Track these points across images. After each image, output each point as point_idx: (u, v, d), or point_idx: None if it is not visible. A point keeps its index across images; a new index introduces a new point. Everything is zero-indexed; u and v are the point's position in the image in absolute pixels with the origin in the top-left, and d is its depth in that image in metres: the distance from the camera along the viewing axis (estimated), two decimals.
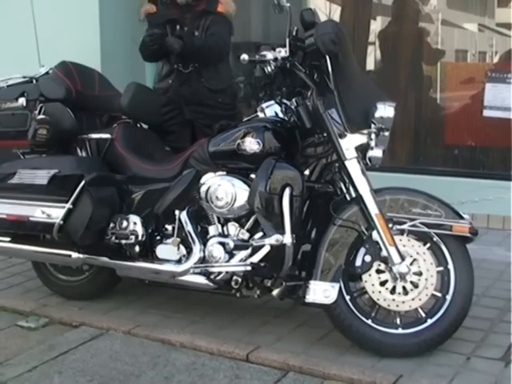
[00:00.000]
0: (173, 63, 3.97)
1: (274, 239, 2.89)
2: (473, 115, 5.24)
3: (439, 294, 2.93)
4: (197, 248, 3.11)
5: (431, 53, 5.81)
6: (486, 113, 4.98)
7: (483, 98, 5.03)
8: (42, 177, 3.31)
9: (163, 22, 3.96)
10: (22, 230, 3.46)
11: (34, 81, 3.60)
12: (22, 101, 3.49)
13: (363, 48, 6.19)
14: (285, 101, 3.12)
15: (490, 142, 5.23)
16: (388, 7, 6.56)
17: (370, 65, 6.37)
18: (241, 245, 3.03)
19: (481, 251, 4.06)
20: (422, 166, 5.40)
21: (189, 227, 3.16)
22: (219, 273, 3.07)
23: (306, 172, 3.08)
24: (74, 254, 3.37)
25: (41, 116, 3.39)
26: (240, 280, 3.07)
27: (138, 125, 3.69)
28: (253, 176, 3.02)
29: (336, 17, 6.25)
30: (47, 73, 3.63)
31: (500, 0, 6.07)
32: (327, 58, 2.86)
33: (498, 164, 5.16)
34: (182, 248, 3.18)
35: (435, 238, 2.94)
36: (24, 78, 3.67)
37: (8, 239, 3.55)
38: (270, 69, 3.05)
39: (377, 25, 6.44)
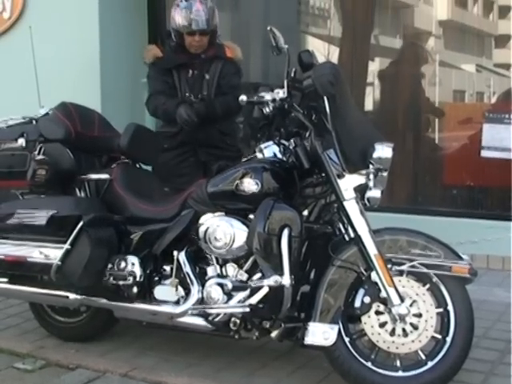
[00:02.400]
0: None
1: (272, 280, 2.87)
2: (471, 156, 5.26)
3: (439, 336, 2.91)
4: (195, 289, 3.10)
5: (429, 94, 5.87)
6: (484, 153, 5.01)
7: (481, 139, 5.06)
8: (40, 217, 3.30)
9: (172, 66, 4.02)
10: (19, 270, 3.45)
11: (34, 121, 3.62)
12: (21, 141, 3.50)
13: (361, 88, 6.25)
14: (283, 141, 3.13)
15: (489, 183, 5.25)
16: (386, 48, 6.66)
17: (369, 105, 6.42)
18: (239, 286, 3.01)
19: (481, 292, 4.02)
20: (421, 206, 5.40)
21: (187, 268, 3.15)
22: (217, 314, 3.05)
23: (305, 212, 3.07)
24: (72, 295, 3.35)
25: (40, 156, 3.39)
26: (238, 321, 3.04)
27: (137, 165, 3.69)
28: (251, 216, 3.02)
29: (334, 58, 6.33)
30: (47, 113, 3.64)
31: (497, 41, 6.15)
32: (325, 99, 2.89)
33: (497, 204, 5.16)
34: (181, 289, 3.16)
35: (434, 279, 2.92)
36: (24, 118, 3.68)
37: (5, 280, 3.53)
38: (268, 110, 3.07)
39: (375, 66, 6.52)
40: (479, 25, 6.85)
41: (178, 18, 3.97)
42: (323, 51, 6.69)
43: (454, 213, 5.11)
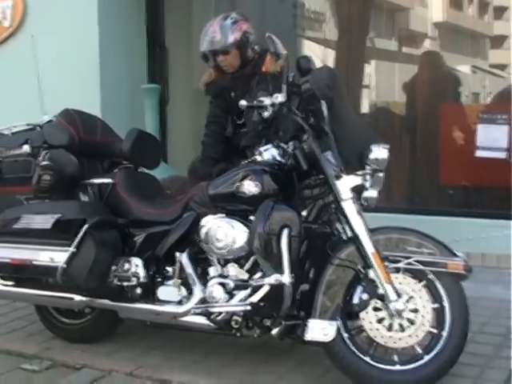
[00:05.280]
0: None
1: (273, 279, 2.96)
2: (466, 156, 5.34)
3: (435, 331, 2.98)
4: (197, 289, 3.18)
5: (425, 94, 5.95)
6: (479, 153, 5.09)
7: (476, 139, 5.15)
8: (45, 221, 3.37)
9: (219, 90, 4.03)
10: (25, 273, 3.52)
11: (38, 128, 3.69)
12: (26, 148, 3.57)
13: (357, 90, 6.33)
14: (282, 144, 3.21)
15: (484, 182, 5.33)
16: (380, 51, 6.75)
17: (365, 107, 6.50)
18: (240, 285, 3.09)
19: (476, 289, 4.08)
20: (417, 206, 5.48)
21: (189, 269, 3.23)
22: (219, 313, 3.13)
23: (304, 213, 3.15)
24: (77, 297, 3.42)
25: (45, 162, 3.47)
26: (240, 320, 3.13)
27: (139, 169, 3.78)
28: (252, 218, 3.10)
29: (330, 61, 6.42)
30: (50, 120, 3.72)
31: (493, 42, 6.23)
32: (323, 102, 2.98)
33: (492, 203, 5.24)
34: (183, 289, 3.24)
35: (430, 276, 3.00)
36: (28, 125, 3.76)
37: (12, 283, 3.61)
38: (267, 114, 3.15)
39: (371, 68, 6.60)
40: (474, 26, 6.92)
41: (200, 42, 3.93)
42: (319, 54, 6.77)
43: (450, 212, 5.18)
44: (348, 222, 3.03)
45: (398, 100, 6.35)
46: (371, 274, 2.98)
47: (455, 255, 3.01)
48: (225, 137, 4.11)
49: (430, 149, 5.78)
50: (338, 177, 3.02)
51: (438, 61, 6.03)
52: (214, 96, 4.11)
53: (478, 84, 6.32)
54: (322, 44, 6.95)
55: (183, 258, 3.25)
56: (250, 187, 3.11)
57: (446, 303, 2.98)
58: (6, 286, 3.61)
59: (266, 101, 3.13)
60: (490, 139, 5.04)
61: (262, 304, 3.04)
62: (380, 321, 2.99)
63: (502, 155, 4.99)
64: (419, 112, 5.95)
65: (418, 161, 5.84)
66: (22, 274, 3.53)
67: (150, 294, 3.34)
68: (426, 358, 2.96)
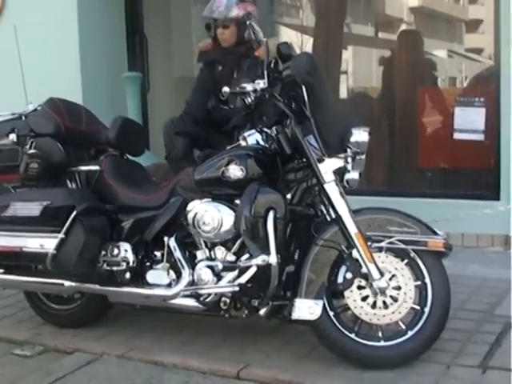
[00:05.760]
0: None
1: (260, 260, 3.03)
2: (444, 138, 5.45)
3: (418, 307, 3.08)
4: (186, 272, 3.25)
5: (403, 79, 6.03)
6: (456, 135, 5.19)
7: (453, 122, 5.25)
8: (34, 208, 3.43)
9: (209, 61, 4.12)
10: (15, 261, 3.57)
11: (23, 117, 3.73)
12: (12, 137, 3.61)
13: (336, 76, 6.40)
14: (265, 129, 3.28)
15: (462, 164, 5.44)
16: (357, 36, 6.82)
17: (344, 92, 6.58)
18: (228, 267, 3.17)
19: (456, 268, 4.21)
20: (398, 188, 5.57)
21: (177, 253, 3.30)
22: (208, 295, 3.20)
23: (288, 196, 3.23)
24: (67, 283, 3.48)
25: (32, 150, 3.52)
26: (228, 301, 3.20)
27: (125, 156, 3.83)
28: (237, 201, 3.17)
29: (308, 47, 6.48)
30: (35, 109, 3.76)
31: (468, 26, 6.31)
32: (303, 87, 3.05)
33: (470, 184, 5.36)
34: (172, 273, 3.31)
35: (412, 254, 3.09)
36: (13, 114, 3.79)
37: (1, 271, 3.66)
38: (250, 100, 3.23)
39: (348, 54, 6.67)
40: (450, 10, 7.00)
41: (206, 7, 4.03)
42: (297, 41, 6.83)
43: (430, 194, 5.28)
44: (331, 204, 3.11)
45: (376, 85, 6.44)
46: (355, 253, 3.06)
47: (436, 234, 3.11)
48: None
49: (408, 132, 5.87)
50: (320, 160, 3.10)
51: (415, 40, 6.09)
52: (204, 64, 4.18)
53: (454, 68, 6.41)
54: (299, 30, 7.01)
55: (171, 242, 3.31)
56: (235, 171, 3.18)
57: (427, 280, 3.08)
58: None
59: (248, 87, 3.20)
60: (468, 122, 5.14)
61: (249, 285, 3.11)
62: (364, 299, 3.08)
63: (480, 137, 5.09)
64: (397, 96, 6.03)
65: (397, 144, 5.93)
66: (12, 261, 3.59)
67: (139, 278, 3.41)
68: (410, 333, 3.06)
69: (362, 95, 6.59)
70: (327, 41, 6.42)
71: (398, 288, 3.08)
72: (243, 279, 3.11)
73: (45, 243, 3.41)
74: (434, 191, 5.37)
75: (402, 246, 3.08)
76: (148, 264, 3.42)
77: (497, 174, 4.93)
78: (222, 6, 3.95)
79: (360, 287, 3.09)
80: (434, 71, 6.10)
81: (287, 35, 7.05)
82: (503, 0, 4.80)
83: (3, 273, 3.67)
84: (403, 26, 6.74)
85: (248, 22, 3.23)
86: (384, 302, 3.07)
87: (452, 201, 5.08)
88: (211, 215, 3.20)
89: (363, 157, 3.14)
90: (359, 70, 6.85)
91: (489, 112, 5.06)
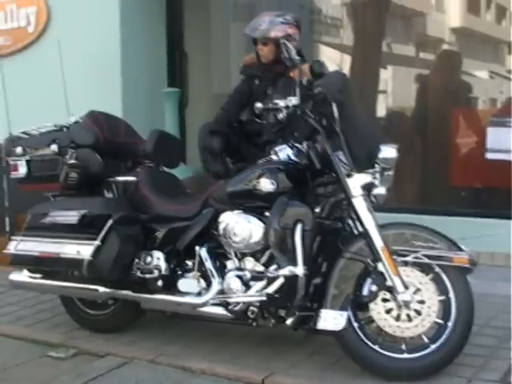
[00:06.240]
0: None
1: (287, 270, 3.13)
2: (477, 158, 5.47)
3: (441, 321, 3.13)
4: (216, 281, 3.36)
5: (437, 98, 6.08)
6: (489, 155, 5.23)
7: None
8: (72, 216, 3.58)
9: (250, 74, 4.22)
10: (53, 266, 3.72)
11: (65, 129, 3.89)
12: (54, 147, 3.77)
13: (373, 95, 6.46)
14: (296, 144, 3.38)
15: (493, 183, 5.46)
16: (397, 56, 6.86)
17: (381, 111, 6.62)
18: (257, 277, 3.27)
19: (484, 286, 4.25)
20: (429, 206, 5.61)
21: (208, 262, 3.42)
22: (237, 303, 3.31)
23: (317, 210, 3.32)
24: (101, 289, 3.62)
25: (72, 161, 3.68)
26: (256, 310, 3.30)
27: (161, 168, 3.96)
28: (267, 214, 3.27)
29: (346, 66, 6.55)
30: (77, 121, 3.92)
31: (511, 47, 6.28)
32: (333, 105, 3.15)
33: (500, 203, 5.37)
34: (202, 281, 3.43)
35: (437, 269, 3.15)
36: (55, 126, 3.96)
37: (40, 276, 3.81)
38: (282, 115, 3.33)
39: (388, 73, 6.71)
40: (492, 31, 6.98)
41: (248, 25, 4.11)
42: (336, 60, 6.90)
43: (461, 212, 5.31)
44: (358, 218, 3.20)
45: (412, 104, 6.46)
46: (380, 266, 3.14)
47: (461, 249, 3.16)
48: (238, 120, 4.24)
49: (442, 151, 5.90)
50: (349, 175, 3.18)
51: (452, 60, 6.12)
52: (245, 77, 4.28)
53: (494, 89, 6.38)
54: (338, 49, 7.07)
55: (202, 251, 3.43)
56: (265, 185, 3.28)
57: (451, 295, 3.13)
58: (34, 278, 3.81)
59: (281, 103, 3.31)
60: (500, 141, 5.16)
61: (276, 295, 3.20)
62: (388, 311, 3.15)
63: (509, 157, 5.11)
64: (432, 115, 6.07)
65: (430, 163, 5.96)
66: (50, 266, 3.74)
67: (170, 286, 3.53)
68: (433, 346, 3.11)
69: (397, 114, 6.61)
70: (365, 60, 6.49)
71: (422, 302, 3.13)
72: (271, 289, 3.20)
73: (81, 250, 3.54)
74: (465, 210, 5.39)
75: (427, 260, 3.14)
76: (179, 272, 3.54)
77: None
78: (263, 24, 4.04)
79: (384, 300, 3.16)
80: (470, 91, 6.11)
81: (327, 54, 7.10)
82: None
83: (41, 278, 3.82)
84: (444, 46, 6.73)
85: (282, 41, 3.32)
86: (408, 315, 3.13)
87: (482, 220, 5.09)
88: (242, 226, 3.31)
89: (391, 173, 3.23)
90: (397, 88, 6.86)
91: None
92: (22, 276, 3.86)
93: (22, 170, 3.86)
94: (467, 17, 6.66)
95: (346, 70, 6.52)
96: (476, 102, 6.24)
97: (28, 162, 3.85)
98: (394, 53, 6.74)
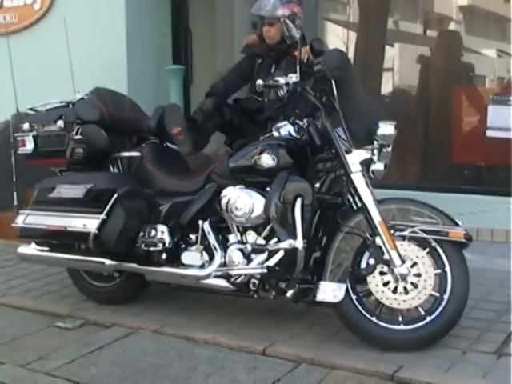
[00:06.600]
0: None
1: (287, 244, 3.21)
2: (478, 136, 5.53)
3: (437, 294, 3.22)
4: (218, 254, 3.45)
5: (442, 77, 6.12)
6: (489, 133, 5.28)
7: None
8: (78, 191, 3.68)
9: (252, 54, 4.31)
10: (60, 239, 3.83)
11: (71, 105, 3.97)
12: (60, 123, 3.85)
13: (377, 72, 6.50)
14: (297, 121, 3.45)
15: (493, 161, 5.52)
16: (402, 33, 6.88)
17: (386, 89, 6.65)
18: (258, 250, 3.36)
19: (484, 261, 4.38)
20: (431, 183, 5.67)
21: (211, 236, 3.51)
22: (238, 276, 3.40)
23: (317, 185, 3.41)
24: (107, 261, 3.71)
25: (78, 136, 3.76)
26: (257, 282, 3.39)
27: (165, 144, 4.04)
28: (268, 189, 3.35)
29: (352, 43, 6.58)
30: (82, 98, 4.00)
31: None
32: (333, 82, 3.22)
33: (500, 181, 5.43)
34: (205, 254, 3.52)
35: (433, 244, 3.23)
36: (61, 102, 4.04)
37: (47, 249, 3.91)
38: (282, 92, 3.40)
39: (394, 50, 6.74)
40: (500, 10, 6.97)
41: (254, 5, 4.18)
42: (342, 37, 6.92)
43: (461, 189, 5.37)
44: (357, 193, 3.27)
45: (415, 82, 6.50)
46: (378, 241, 3.22)
47: (457, 224, 3.24)
48: (237, 99, 4.33)
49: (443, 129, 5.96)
50: (348, 151, 3.26)
51: (454, 39, 6.16)
52: (247, 56, 4.36)
53: (502, 67, 6.39)
54: (344, 27, 7.08)
55: (205, 225, 3.52)
56: (267, 160, 3.36)
57: (447, 269, 3.22)
58: (42, 251, 3.91)
59: (281, 80, 3.38)
60: (500, 120, 5.21)
61: (277, 267, 3.30)
62: (386, 284, 3.24)
63: (509, 135, 5.17)
64: (435, 94, 6.12)
65: (431, 140, 6.01)
66: (57, 239, 3.84)
67: (174, 259, 3.62)
68: (428, 318, 3.20)
69: (402, 92, 6.65)
70: (371, 37, 6.51)
71: (419, 275, 3.22)
72: (271, 262, 3.29)
73: (87, 223, 3.64)
74: (465, 187, 5.45)
75: (424, 235, 3.22)
76: (183, 246, 3.63)
77: None
78: (269, 4, 4.12)
79: (382, 273, 3.25)
80: (473, 70, 6.13)
81: (333, 31, 7.13)
82: None
83: (49, 251, 3.92)
84: (451, 24, 6.74)
85: (282, 19, 3.39)
86: (405, 288, 3.22)
87: (482, 197, 5.15)
88: (243, 201, 3.39)
89: (389, 149, 3.30)
90: (401, 66, 6.89)
91: None
92: (30, 249, 3.96)
93: (29, 145, 3.94)
94: None
95: (352, 47, 6.58)
96: (483, 80, 6.26)
97: (35, 137, 3.94)
98: (400, 30, 6.76)
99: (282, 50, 4.18)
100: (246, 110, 4.17)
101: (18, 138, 4.01)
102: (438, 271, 3.24)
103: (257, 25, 4.29)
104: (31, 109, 4.09)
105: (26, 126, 3.97)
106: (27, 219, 3.86)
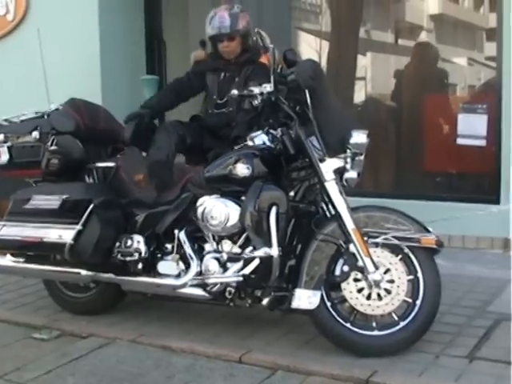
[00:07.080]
0: None
1: (262, 252, 3.25)
2: (449, 143, 5.62)
3: (410, 300, 3.28)
4: (194, 263, 3.47)
5: (413, 85, 6.22)
6: (459, 141, 5.38)
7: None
8: (54, 201, 3.68)
9: (206, 70, 4.21)
10: (35, 250, 3.82)
11: (46, 116, 3.97)
12: (35, 134, 3.85)
13: (350, 81, 6.58)
14: (271, 131, 3.49)
15: (464, 168, 5.62)
16: (374, 42, 6.96)
17: (358, 97, 6.72)
18: (233, 258, 3.39)
19: (455, 267, 4.46)
20: (403, 191, 5.75)
21: (187, 245, 3.53)
22: (214, 284, 3.42)
23: (291, 193, 3.45)
24: (83, 272, 3.72)
25: (53, 147, 3.77)
26: (233, 291, 3.42)
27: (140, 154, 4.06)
28: (244, 198, 3.38)
29: (325, 52, 6.65)
30: (57, 109, 4.01)
31: (488, 34, 6.37)
32: (306, 91, 3.27)
33: (471, 188, 5.53)
34: (181, 264, 3.55)
35: (406, 250, 3.29)
36: (36, 113, 4.04)
37: (22, 260, 3.90)
38: (257, 102, 3.44)
39: (366, 60, 6.82)
40: (470, 18, 7.08)
41: (206, 28, 4.10)
42: (314, 46, 6.99)
43: (433, 196, 5.46)
44: (331, 201, 3.32)
45: (388, 91, 6.59)
46: (352, 248, 3.27)
47: (428, 231, 3.30)
48: (195, 115, 4.23)
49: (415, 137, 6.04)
50: (321, 160, 3.31)
51: (428, 49, 6.26)
52: (195, 74, 4.25)
53: (473, 76, 6.48)
54: (317, 36, 7.16)
55: (181, 235, 3.55)
56: (241, 170, 3.39)
57: (419, 275, 3.28)
58: (18, 262, 3.91)
59: (256, 90, 3.42)
60: (470, 128, 5.31)
61: (253, 276, 3.33)
62: (360, 290, 3.29)
63: (482, 143, 5.27)
64: (407, 102, 6.21)
65: (404, 148, 6.10)
66: (33, 250, 3.84)
67: (150, 268, 3.64)
68: (402, 324, 3.26)
69: (374, 100, 6.74)
70: (343, 46, 6.61)
71: (392, 281, 3.27)
72: (247, 270, 3.33)
73: (63, 234, 3.64)
74: (437, 194, 5.54)
75: (397, 242, 3.27)
76: (159, 255, 3.65)
77: (497, 178, 5.09)
78: (225, 21, 4.04)
79: (356, 280, 3.29)
80: (445, 79, 6.22)
81: (305, 40, 7.19)
82: (506, 9, 4.96)
83: (24, 262, 3.91)
84: (423, 33, 6.83)
85: (256, 30, 3.42)
86: (378, 294, 3.27)
87: (454, 204, 5.23)
88: (219, 210, 3.42)
89: (362, 157, 3.35)
90: (373, 75, 6.97)
91: (491, 118, 5.22)
92: (6, 260, 3.95)
93: (4, 156, 3.94)
94: (446, 3, 6.76)
95: (325, 56, 6.66)
96: (454, 88, 6.36)
97: (10, 148, 3.93)
98: (372, 39, 6.84)
99: (244, 60, 4.18)
100: (205, 127, 4.13)
101: None
102: (411, 277, 3.29)
103: (205, 43, 4.25)
104: (6, 120, 4.09)
105: (0, 137, 3.96)
106: (2, 230, 3.85)
